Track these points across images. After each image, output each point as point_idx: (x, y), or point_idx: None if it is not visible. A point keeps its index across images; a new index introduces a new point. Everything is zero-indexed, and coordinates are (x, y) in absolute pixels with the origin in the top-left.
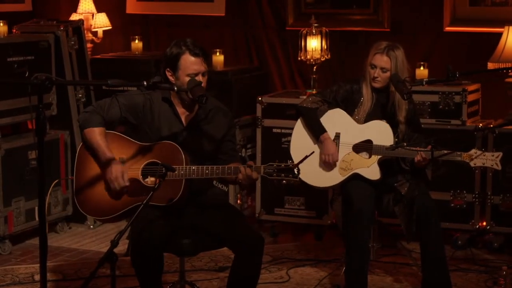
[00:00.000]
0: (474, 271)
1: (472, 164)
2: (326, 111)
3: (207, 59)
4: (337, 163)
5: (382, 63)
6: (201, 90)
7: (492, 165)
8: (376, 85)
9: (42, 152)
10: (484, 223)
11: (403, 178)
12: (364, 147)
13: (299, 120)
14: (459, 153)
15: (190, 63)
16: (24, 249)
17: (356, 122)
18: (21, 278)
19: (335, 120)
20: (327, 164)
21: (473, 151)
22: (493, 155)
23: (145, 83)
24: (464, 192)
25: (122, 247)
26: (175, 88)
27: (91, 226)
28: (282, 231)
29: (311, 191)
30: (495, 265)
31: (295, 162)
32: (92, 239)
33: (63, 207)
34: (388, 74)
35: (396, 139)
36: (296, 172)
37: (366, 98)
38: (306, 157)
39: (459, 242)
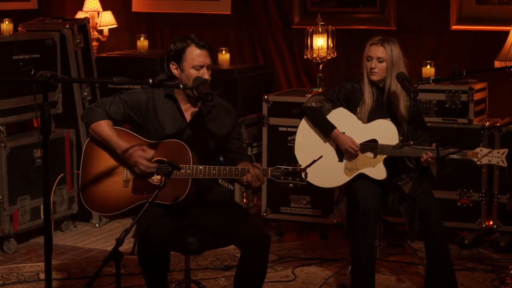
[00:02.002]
0: (481, 270)
1: (478, 162)
2: (330, 110)
3: (212, 53)
4: (343, 164)
5: (378, 53)
6: (206, 88)
7: (498, 162)
8: (374, 77)
9: (48, 150)
10: (491, 222)
11: (407, 176)
12: (369, 146)
13: (303, 121)
14: (464, 151)
15: (196, 55)
16: (29, 248)
17: (360, 121)
18: (26, 277)
19: (339, 120)
20: (350, 156)
21: (478, 149)
22: (498, 152)
23: (150, 81)
24: (471, 191)
25: (128, 245)
26: (181, 86)
27: (97, 225)
28: (287, 230)
29: (317, 190)
30: (502, 264)
31: (300, 162)
32: (97, 238)
33: (68, 206)
34: (384, 64)
35: (401, 138)
36: (303, 176)
37: (367, 96)
38: (314, 161)
39: (466, 241)
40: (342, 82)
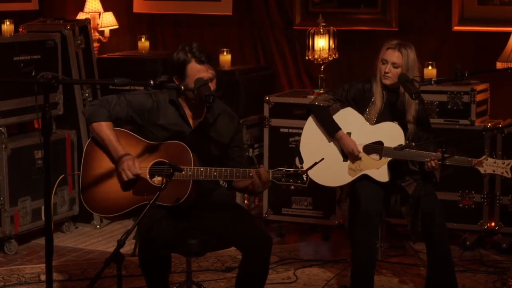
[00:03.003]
0: (483, 272)
1: (482, 171)
2: (338, 109)
3: (214, 64)
4: (347, 164)
5: (394, 58)
6: (208, 89)
7: (502, 173)
8: (387, 81)
9: (49, 152)
10: (493, 224)
11: (411, 178)
12: (375, 148)
13: (309, 118)
14: (470, 159)
15: (196, 71)
16: (30, 249)
17: (367, 122)
18: (27, 278)
19: (346, 120)
20: (351, 158)
21: (483, 158)
22: (503, 163)
23: (152, 82)
24: (473, 192)
25: (129, 247)
26: (182, 88)
27: (98, 226)
28: (289, 231)
29: (318, 191)
30: (504, 266)
31: (305, 160)
32: (98, 239)
33: (69, 207)
34: (399, 70)
35: (407, 141)
36: (304, 179)
37: (377, 97)
38: (316, 163)
39: (467, 242)
40: (352, 82)
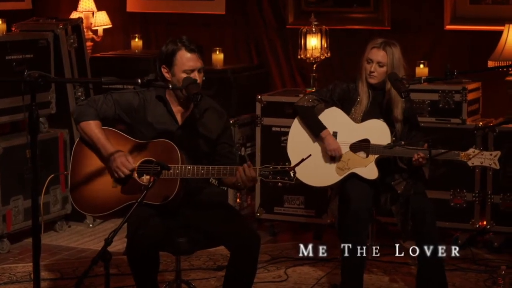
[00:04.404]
0: (474, 270)
1: (470, 163)
2: (323, 110)
3: (203, 56)
4: (335, 163)
5: (379, 57)
6: (196, 88)
7: (490, 164)
8: (372, 80)
9: (35, 151)
10: (484, 223)
11: (400, 177)
12: (361, 146)
13: (295, 120)
14: (456, 152)
15: (186, 59)
16: (23, 248)
17: (353, 121)
18: (18, 277)
19: (332, 119)
20: (333, 159)
21: (471, 150)
22: (491, 154)
23: (139, 81)
24: (464, 191)
25: (121, 245)
26: (170, 86)
27: (90, 225)
28: (281, 230)
29: (310, 190)
30: (495, 264)
31: (292, 161)
32: (91, 238)
33: (62, 206)
34: (384, 69)
35: (394, 138)
36: (292, 175)
37: (363, 96)
38: (303, 160)
39: (459, 241)
40: (336, 82)
